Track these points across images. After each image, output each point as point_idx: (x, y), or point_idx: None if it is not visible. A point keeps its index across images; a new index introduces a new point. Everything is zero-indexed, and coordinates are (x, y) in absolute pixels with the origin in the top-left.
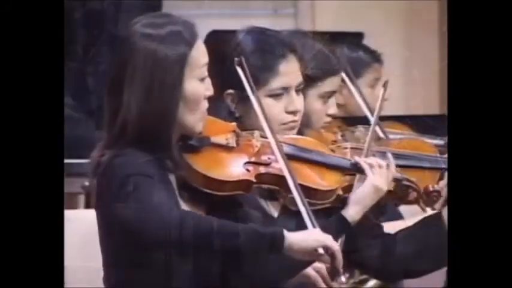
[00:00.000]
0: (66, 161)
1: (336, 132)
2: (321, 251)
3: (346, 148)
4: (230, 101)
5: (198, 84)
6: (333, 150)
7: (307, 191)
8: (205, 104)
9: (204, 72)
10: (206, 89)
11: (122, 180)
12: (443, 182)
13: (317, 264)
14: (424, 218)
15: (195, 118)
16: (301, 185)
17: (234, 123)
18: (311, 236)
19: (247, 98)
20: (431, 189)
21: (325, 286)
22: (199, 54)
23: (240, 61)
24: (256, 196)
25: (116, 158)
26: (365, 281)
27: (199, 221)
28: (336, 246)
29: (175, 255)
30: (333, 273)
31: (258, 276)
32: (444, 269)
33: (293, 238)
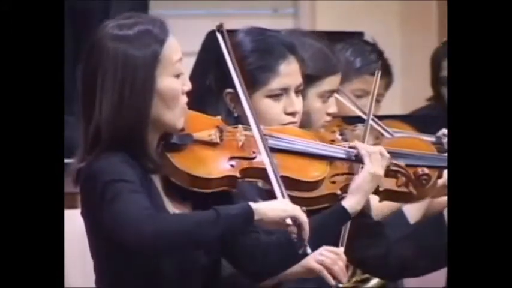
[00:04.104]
0: (66, 161)
1: (335, 132)
2: (288, 221)
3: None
4: (229, 100)
5: (173, 81)
6: None
7: (292, 183)
8: (184, 99)
9: (179, 67)
10: (183, 84)
11: (101, 187)
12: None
13: (319, 257)
14: (425, 218)
15: (175, 115)
16: (286, 177)
17: (218, 117)
18: (279, 206)
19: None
20: (421, 172)
21: (330, 277)
22: (172, 51)
23: (221, 26)
24: (255, 196)
25: (94, 164)
26: (366, 280)
27: (173, 225)
28: (303, 217)
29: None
30: (299, 244)
31: (250, 267)
32: (444, 269)
33: (262, 209)
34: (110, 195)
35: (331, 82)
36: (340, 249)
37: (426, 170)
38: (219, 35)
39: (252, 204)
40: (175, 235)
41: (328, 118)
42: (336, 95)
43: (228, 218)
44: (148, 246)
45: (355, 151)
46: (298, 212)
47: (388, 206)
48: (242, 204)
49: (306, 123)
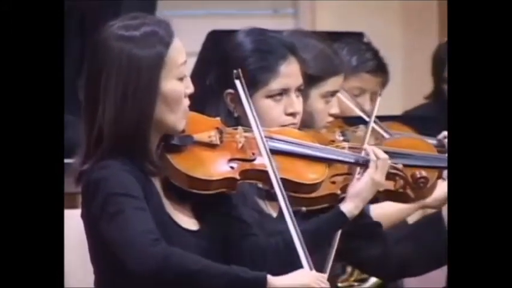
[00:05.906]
0: (66, 161)
1: (335, 132)
2: None
3: (344, 148)
4: (229, 101)
5: (177, 84)
6: None
7: (291, 185)
8: (186, 102)
9: (183, 70)
10: (186, 87)
11: (104, 198)
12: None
13: None
14: (424, 217)
15: (177, 117)
16: (285, 179)
17: (218, 119)
18: (298, 280)
19: None
20: (418, 175)
21: None
22: (177, 53)
23: (238, 74)
24: (254, 196)
25: (97, 172)
26: (365, 280)
27: (182, 260)
28: (324, 286)
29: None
30: None
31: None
32: (444, 269)
33: (277, 283)
34: (113, 209)
35: (334, 83)
36: (325, 275)
37: (424, 173)
38: (237, 82)
39: (269, 277)
40: (178, 273)
41: (331, 119)
42: (339, 94)
43: (235, 278)
44: (149, 275)
45: (363, 155)
46: (317, 283)
47: (391, 218)
48: (258, 273)
49: (308, 123)
